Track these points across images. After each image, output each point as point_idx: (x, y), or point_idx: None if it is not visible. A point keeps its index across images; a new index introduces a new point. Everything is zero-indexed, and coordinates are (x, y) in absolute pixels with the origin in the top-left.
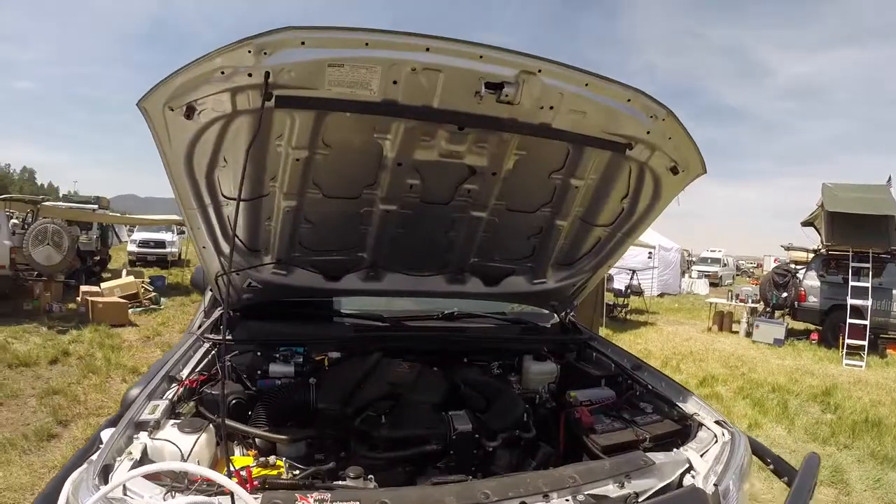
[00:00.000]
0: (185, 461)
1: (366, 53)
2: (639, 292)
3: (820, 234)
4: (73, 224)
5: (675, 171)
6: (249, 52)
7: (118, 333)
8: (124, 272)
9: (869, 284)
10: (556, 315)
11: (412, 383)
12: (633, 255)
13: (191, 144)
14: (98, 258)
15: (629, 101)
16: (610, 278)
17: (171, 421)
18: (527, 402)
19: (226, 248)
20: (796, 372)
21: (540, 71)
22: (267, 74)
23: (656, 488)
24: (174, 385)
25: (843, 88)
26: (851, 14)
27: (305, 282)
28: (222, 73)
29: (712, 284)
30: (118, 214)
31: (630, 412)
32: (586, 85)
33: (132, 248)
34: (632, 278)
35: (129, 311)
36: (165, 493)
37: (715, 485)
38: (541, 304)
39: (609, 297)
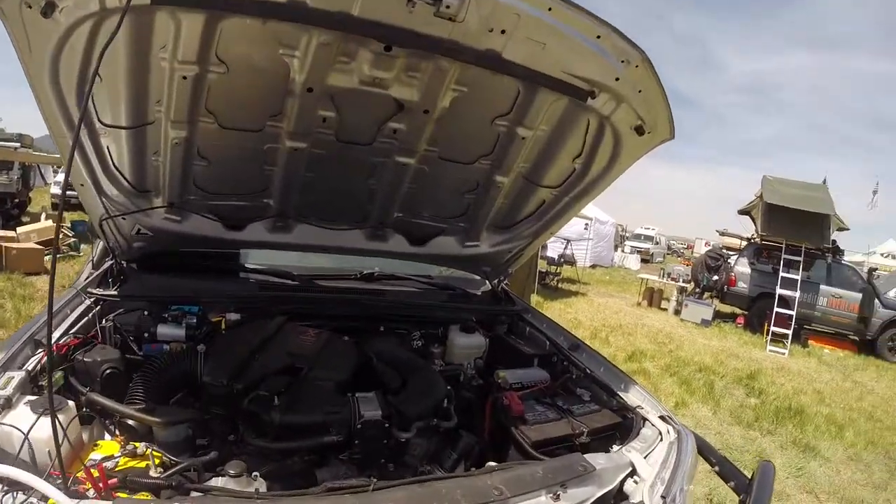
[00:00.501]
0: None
1: None
2: (571, 262)
3: (756, 223)
4: None
5: (640, 130)
6: None
7: (32, 282)
8: (43, 216)
9: (798, 277)
10: (487, 282)
11: (316, 355)
12: (568, 225)
13: (55, 53)
14: (17, 200)
15: (599, 37)
16: (544, 246)
17: (26, 399)
18: (450, 379)
19: (107, 187)
20: (722, 353)
21: None
22: None
23: (595, 498)
24: (39, 351)
25: (788, 90)
26: (806, 20)
27: (202, 230)
28: None
29: (643, 261)
30: (43, 154)
31: (565, 399)
32: (549, 9)
33: (55, 189)
34: (566, 248)
35: (46, 257)
36: (4, 496)
37: (662, 496)
38: (472, 269)
39: (542, 265)
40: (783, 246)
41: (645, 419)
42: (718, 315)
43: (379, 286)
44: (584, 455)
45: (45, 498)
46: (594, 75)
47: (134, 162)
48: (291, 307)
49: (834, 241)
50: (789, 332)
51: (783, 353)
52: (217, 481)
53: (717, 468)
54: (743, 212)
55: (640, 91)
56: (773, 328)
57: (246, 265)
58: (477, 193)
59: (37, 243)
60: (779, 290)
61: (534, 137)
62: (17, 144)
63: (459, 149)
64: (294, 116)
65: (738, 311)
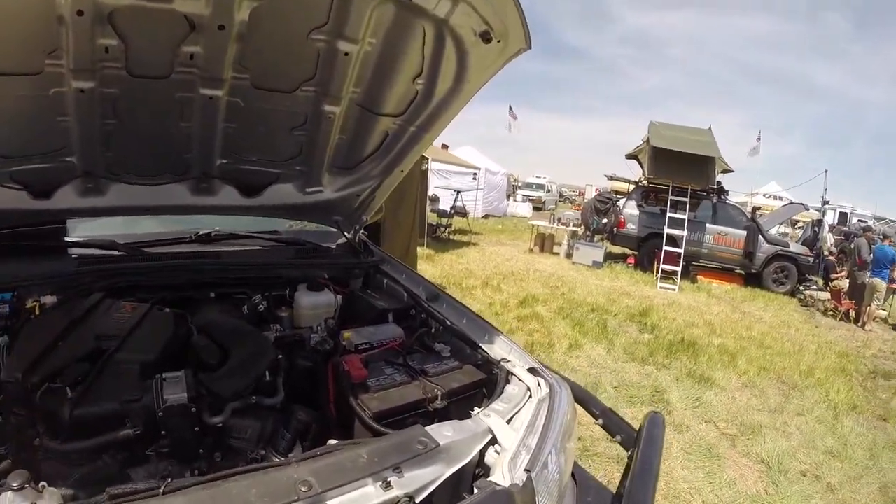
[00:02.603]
0: None
1: None
2: (463, 213)
3: (643, 167)
4: None
5: (486, 37)
6: None
7: None
8: None
9: (685, 217)
10: (343, 235)
11: (127, 335)
12: (457, 176)
13: None
14: None
15: None
16: (435, 198)
17: None
18: (293, 345)
19: None
20: (614, 293)
21: None
22: None
23: (442, 479)
24: None
25: (676, 45)
26: None
27: (5, 202)
28: None
29: (536, 209)
30: None
31: (421, 358)
32: None
33: None
34: (456, 199)
35: None
36: None
37: (527, 470)
38: (320, 219)
39: (433, 218)
40: (670, 188)
41: (511, 374)
42: (610, 257)
43: (218, 248)
44: (430, 427)
45: None
46: None
47: None
48: (114, 281)
49: (719, 183)
50: (678, 270)
51: (673, 289)
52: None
53: (600, 420)
54: (630, 156)
55: None
56: (662, 266)
57: (67, 239)
58: (307, 129)
59: None
60: (667, 230)
61: (361, 53)
62: None
63: (275, 74)
64: (71, 49)
65: (628, 251)
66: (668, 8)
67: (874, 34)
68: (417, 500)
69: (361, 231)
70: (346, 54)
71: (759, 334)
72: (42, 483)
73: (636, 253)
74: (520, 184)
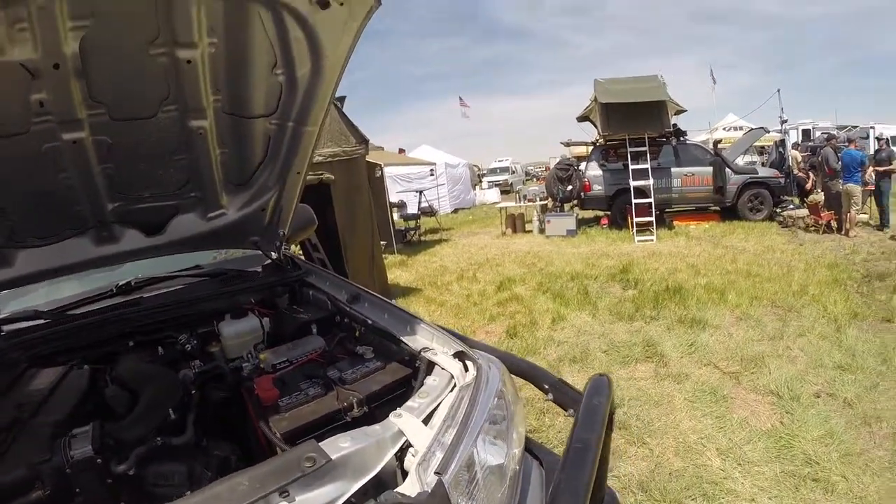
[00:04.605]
0: None
1: None
2: (430, 213)
3: (596, 126)
4: None
5: (323, 3)
6: None
7: None
8: None
9: (648, 166)
10: (269, 255)
11: (44, 399)
12: (418, 177)
13: None
14: None
15: None
16: (402, 204)
17: None
18: (218, 377)
19: None
20: (592, 256)
21: None
22: None
23: (345, 498)
24: None
25: (611, 4)
26: None
27: None
28: None
29: (504, 192)
30: None
31: (346, 363)
32: None
33: None
34: (420, 200)
35: None
36: None
37: (437, 473)
38: (237, 243)
39: (401, 223)
40: (627, 140)
41: (433, 364)
42: (583, 222)
43: (140, 295)
44: (327, 440)
45: None
46: None
47: None
48: (39, 350)
49: (675, 125)
50: (653, 220)
51: (651, 240)
52: None
53: (550, 395)
54: (582, 118)
55: None
56: (636, 219)
57: None
58: (186, 151)
59: None
60: (632, 183)
61: (205, 57)
62: None
63: (129, 101)
64: None
65: (599, 213)
66: None
67: None
68: None
69: (284, 246)
70: (189, 62)
71: (744, 265)
72: None
73: (608, 213)
74: (484, 171)
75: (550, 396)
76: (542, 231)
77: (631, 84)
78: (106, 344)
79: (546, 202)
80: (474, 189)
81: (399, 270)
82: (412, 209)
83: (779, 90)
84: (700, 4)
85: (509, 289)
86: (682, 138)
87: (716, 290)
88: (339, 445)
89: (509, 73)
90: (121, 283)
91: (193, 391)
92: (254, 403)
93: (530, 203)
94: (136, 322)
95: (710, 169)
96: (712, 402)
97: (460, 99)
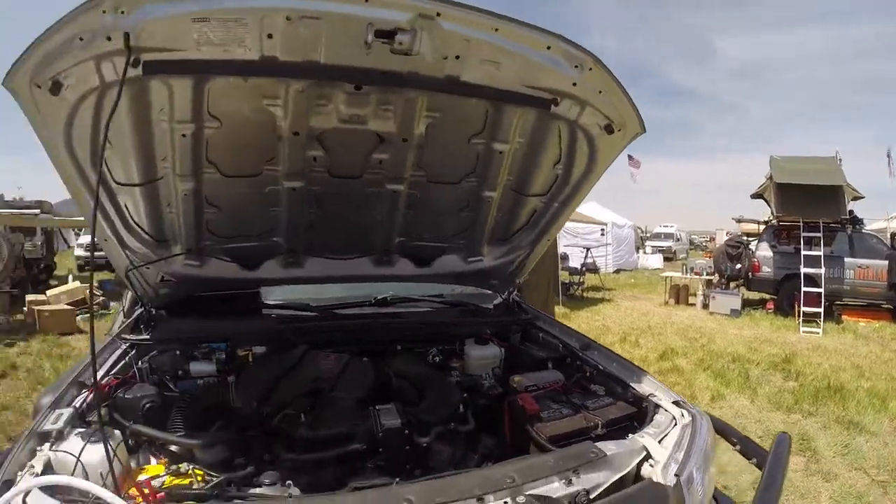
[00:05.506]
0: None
1: (231, 3)
2: (594, 269)
3: (770, 205)
4: (16, 231)
5: (609, 129)
6: (104, 11)
7: (67, 342)
8: (70, 278)
9: (821, 253)
10: (499, 296)
11: (337, 377)
12: (586, 233)
13: (67, 125)
14: (43, 265)
15: (549, 48)
16: (565, 257)
17: (76, 430)
18: (470, 389)
19: (129, 240)
20: (755, 341)
21: (439, 14)
22: (126, 36)
23: (609, 482)
24: (83, 391)
25: (784, 68)
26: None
27: (221, 272)
28: (80, 39)
29: (666, 259)
30: (63, 218)
31: (580, 396)
32: (496, 30)
33: (79, 252)
34: (586, 256)
35: (78, 317)
36: None
37: (676, 475)
38: (479, 284)
39: (564, 276)
40: (801, 224)
41: (658, 406)
42: (747, 303)
43: (394, 309)
44: (597, 443)
45: None
46: (552, 84)
47: (150, 214)
48: (312, 337)
49: (851, 212)
50: (821, 311)
51: (817, 333)
52: (255, 492)
53: (738, 447)
54: (756, 195)
55: (600, 92)
56: (803, 308)
57: (267, 301)
58: (470, 211)
59: (67, 304)
60: (803, 269)
61: (511, 150)
62: (38, 211)
63: (444, 171)
64: (287, 159)
65: (766, 296)
66: (770, 31)
67: None
68: (592, 496)
69: (515, 292)
70: (501, 152)
71: None
72: (288, 482)
73: (774, 297)
74: (648, 234)
75: (738, 447)
76: (705, 306)
77: (807, 164)
78: (371, 343)
79: (713, 277)
80: (637, 252)
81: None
82: (573, 263)
83: None
84: (878, 71)
85: (671, 359)
86: (857, 226)
87: (878, 395)
88: (608, 448)
89: (674, 133)
90: (379, 297)
91: (465, 394)
92: (516, 412)
93: (696, 276)
94: (399, 332)
95: (886, 263)
96: None
97: (629, 157)
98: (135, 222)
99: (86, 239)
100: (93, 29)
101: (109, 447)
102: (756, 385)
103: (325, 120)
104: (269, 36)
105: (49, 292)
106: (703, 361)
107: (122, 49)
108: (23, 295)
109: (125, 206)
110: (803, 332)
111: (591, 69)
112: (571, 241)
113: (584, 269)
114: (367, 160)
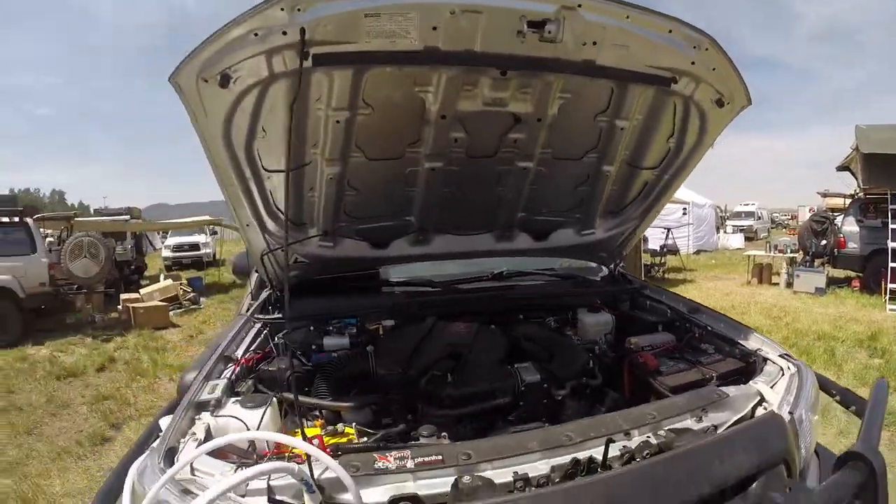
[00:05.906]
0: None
1: None
2: (674, 251)
3: (856, 177)
4: (107, 236)
5: (720, 103)
6: (282, 9)
7: (161, 336)
8: (161, 276)
9: None
10: (604, 268)
11: (472, 342)
12: (667, 214)
13: (228, 116)
14: (134, 266)
15: (670, 31)
16: (645, 239)
17: (233, 399)
18: (591, 349)
19: (270, 225)
20: (840, 319)
21: (580, 5)
22: (303, 31)
23: (732, 420)
24: (230, 365)
25: (870, 29)
26: None
27: (352, 252)
28: (256, 34)
29: (747, 238)
30: (150, 222)
31: (692, 354)
32: (627, 17)
33: (167, 253)
34: (667, 237)
35: (170, 313)
36: (236, 469)
37: (790, 412)
38: (589, 256)
39: (645, 258)
40: (888, 196)
41: (766, 359)
42: (832, 281)
43: (510, 282)
44: (720, 387)
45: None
46: (673, 63)
47: (293, 199)
48: (437, 309)
49: None
50: None
51: None
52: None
53: (837, 398)
54: (841, 167)
55: (713, 69)
56: (890, 286)
57: (389, 279)
58: (588, 185)
59: (160, 301)
60: (891, 244)
61: (631, 126)
62: (127, 217)
63: (570, 147)
64: (430, 141)
65: (851, 273)
66: None
67: None
68: (719, 431)
69: (621, 265)
70: (622, 129)
71: None
72: (443, 433)
73: (860, 274)
74: (728, 214)
75: (837, 398)
76: (788, 285)
77: (895, 132)
78: (493, 313)
79: (796, 255)
80: (718, 232)
81: None
82: (653, 244)
83: None
84: None
85: None
86: None
87: None
88: (729, 391)
89: (752, 107)
90: (495, 272)
91: (590, 354)
92: (637, 369)
93: (780, 254)
94: (518, 302)
95: None
96: None
97: None
98: (276, 207)
99: (173, 240)
100: (270, 25)
101: (297, 406)
102: (841, 362)
103: (471, 103)
104: (434, 28)
105: (143, 290)
106: (788, 339)
107: (295, 43)
108: (116, 294)
109: (270, 191)
110: (889, 310)
111: (707, 49)
112: (652, 222)
113: (664, 250)
114: (503, 140)
